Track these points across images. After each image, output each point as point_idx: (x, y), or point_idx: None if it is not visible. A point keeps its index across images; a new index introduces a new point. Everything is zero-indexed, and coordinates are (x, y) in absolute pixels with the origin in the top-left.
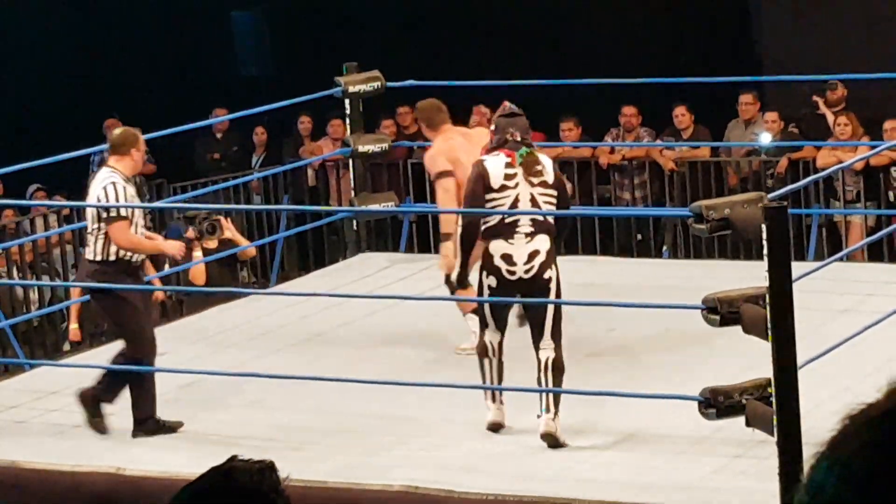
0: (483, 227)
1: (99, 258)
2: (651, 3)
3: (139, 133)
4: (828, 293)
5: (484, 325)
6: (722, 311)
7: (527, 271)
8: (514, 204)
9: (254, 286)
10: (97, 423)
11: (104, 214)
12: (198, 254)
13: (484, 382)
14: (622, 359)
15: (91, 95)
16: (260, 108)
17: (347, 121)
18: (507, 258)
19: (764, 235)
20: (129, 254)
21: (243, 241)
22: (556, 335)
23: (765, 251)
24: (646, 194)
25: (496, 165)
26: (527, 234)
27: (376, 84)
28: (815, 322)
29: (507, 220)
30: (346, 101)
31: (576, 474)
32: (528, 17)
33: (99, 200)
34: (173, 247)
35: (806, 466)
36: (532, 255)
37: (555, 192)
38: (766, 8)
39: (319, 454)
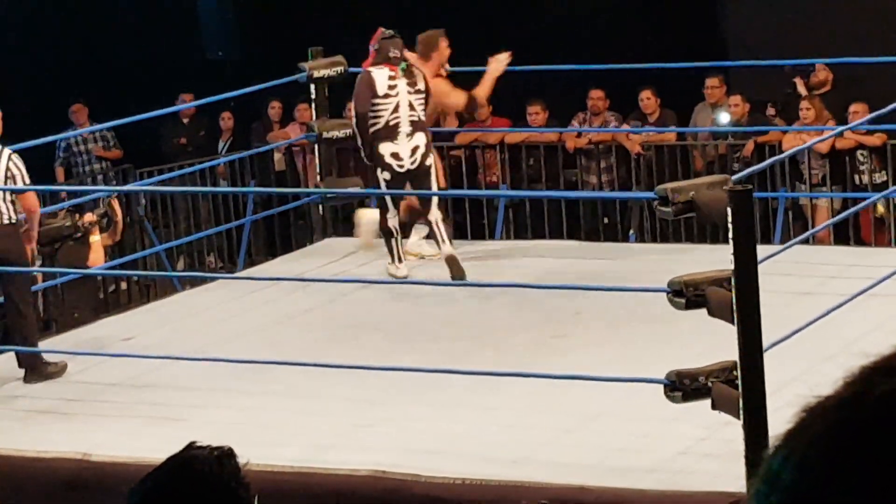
0: (371, 131)
1: (7, 221)
2: None
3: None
4: (793, 276)
5: (385, 211)
6: (687, 294)
7: (412, 163)
8: (396, 108)
9: (221, 271)
10: (54, 366)
11: (20, 184)
12: (95, 238)
13: (393, 258)
14: (588, 342)
15: (57, 80)
16: (226, 94)
17: (313, 105)
18: (396, 155)
19: (729, 218)
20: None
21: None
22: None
23: (730, 234)
24: (612, 178)
25: (381, 76)
26: (407, 134)
27: (340, 69)
28: (781, 304)
29: (390, 124)
30: (311, 87)
31: (542, 457)
32: (496, 1)
33: (13, 174)
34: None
35: (765, 455)
36: (414, 150)
37: (425, 96)
38: None
39: (284, 438)
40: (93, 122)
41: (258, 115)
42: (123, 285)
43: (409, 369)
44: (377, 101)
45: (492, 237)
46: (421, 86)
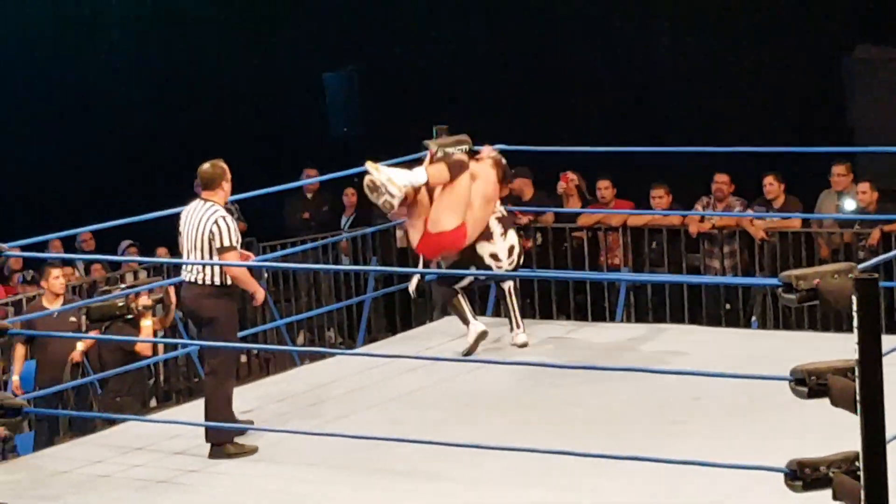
0: None
1: (218, 282)
2: (745, 72)
3: (226, 166)
4: None
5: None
6: (810, 383)
7: (510, 263)
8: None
9: (341, 346)
10: (237, 447)
11: (218, 244)
12: (146, 323)
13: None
14: (707, 428)
15: (184, 154)
16: (350, 170)
17: None
18: (494, 256)
19: (854, 307)
20: (227, 280)
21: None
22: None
23: (855, 323)
24: (735, 263)
25: None
26: (501, 234)
27: (464, 147)
28: None
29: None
30: None
31: None
32: (621, 84)
33: (212, 233)
34: (262, 294)
35: None
36: (511, 250)
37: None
38: (858, 78)
39: None
40: None
41: None
42: (243, 358)
43: (526, 450)
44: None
45: (612, 320)
46: (491, 178)
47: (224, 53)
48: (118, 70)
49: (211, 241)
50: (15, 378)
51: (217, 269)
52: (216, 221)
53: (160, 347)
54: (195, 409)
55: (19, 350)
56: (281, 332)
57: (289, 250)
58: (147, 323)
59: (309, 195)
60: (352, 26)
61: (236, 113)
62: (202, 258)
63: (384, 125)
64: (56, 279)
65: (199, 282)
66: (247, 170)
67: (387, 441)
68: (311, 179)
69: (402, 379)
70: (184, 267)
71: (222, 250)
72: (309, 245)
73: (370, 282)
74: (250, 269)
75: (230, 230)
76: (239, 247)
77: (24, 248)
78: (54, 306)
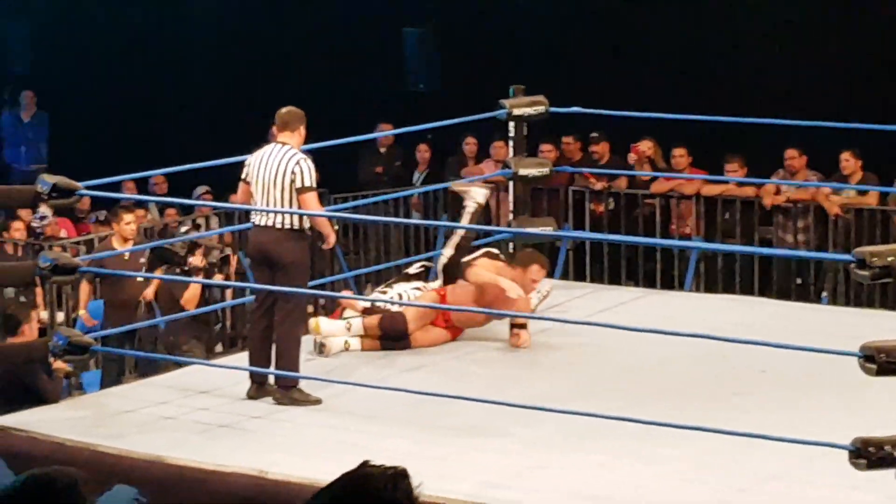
0: None
1: (296, 226)
2: (826, 46)
3: (304, 114)
4: None
5: None
6: (879, 361)
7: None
8: None
9: None
10: (302, 395)
11: (298, 185)
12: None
13: None
14: (771, 401)
15: (260, 101)
16: (424, 125)
17: (510, 143)
18: None
19: None
20: (303, 224)
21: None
22: None
23: None
24: (808, 238)
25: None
26: None
27: (541, 108)
28: None
29: None
30: (510, 124)
31: None
32: (700, 51)
33: (294, 173)
34: (332, 236)
35: None
36: None
37: None
38: None
39: (457, 473)
40: None
41: (454, 150)
42: (310, 308)
43: (585, 414)
44: None
45: (681, 288)
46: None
47: (305, 5)
48: (199, 18)
49: (292, 181)
50: (83, 312)
51: (294, 212)
52: (297, 162)
53: (228, 293)
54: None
55: (84, 288)
56: (349, 283)
57: (360, 202)
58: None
59: (382, 149)
60: None
61: (314, 65)
62: (280, 199)
63: (461, 82)
64: (127, 224)
65: (276, 225)
66: (322, 122)
67: (448, 398)
68: (384, 132)
69: (465, 336)
70: (255, 210)
71: (302, 190)
72: (381, 197)
73: (440, 238)
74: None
75: (311, 171)
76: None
77: (97, 188)
78: (123, 248)
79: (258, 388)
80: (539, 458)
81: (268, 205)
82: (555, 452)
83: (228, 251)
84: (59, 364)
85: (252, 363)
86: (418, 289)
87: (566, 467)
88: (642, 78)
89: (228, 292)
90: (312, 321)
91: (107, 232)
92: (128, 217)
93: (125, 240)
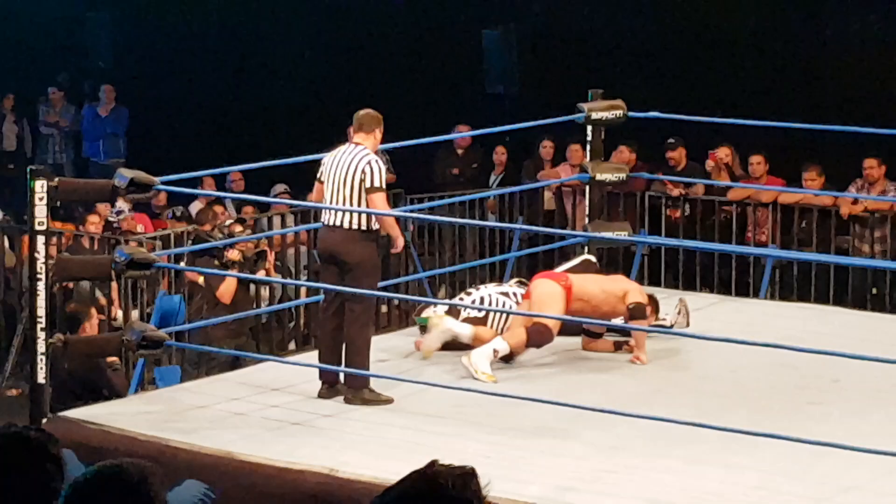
0: None
1: (364, 226)
2: None
3: (381, 117)
4: None
5: None
6: None
7: None
8: None
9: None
10: (374, 394)
11: (368, 185)
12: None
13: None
14: (845, 411)
15: (341, 100)
16: (502, 127)
17: (588, 147)
18: None
19: None
20: (372, 225)
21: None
22: None
23: None
24: (885, 248)
25: None
26: None
27: (618, 112)
28: None
29: None
30: (588, 128)
31: None
32: (779, 58)
33: (364, 173)
34: (401, 239)
35: None
36: None
37: None
38: None
39: (529, 476)
40: None
41: (531, 152)
42: (384, 308)
43: (660, 419)
44: None
45: (756, 296)
46: None
47: (386, 6)
48: (281, 16)
49: (362, 181)
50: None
51: (363, 213)
52: (368, 162)
53: (302, 291)
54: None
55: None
56: (422, 284)
57: (436, 202)
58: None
59: (459, 151)
60: None
61: (395, 66)
62: (349, 199)
63: (540, 85)
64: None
65: (345, 225)
66: (400, 122)
67: (521, 399)
68: (462, 134)
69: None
70: (325, 210)
71: (371, 190)
72: (457, 199)
73: (515, 241)
74: (395, 217)
75: (381, 172)
76: (385, 190)
77: (174, 183)
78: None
79: (329, 388)
80: (612, 463)
81: (337, 204)
82: (628, 457)
83: (265, 247)
84: (111, 358)
85: (322, 363)
86: (505, 293)
87: (639, 473)
88: (721, 84)
89: (302, 290)
90: (465, 358)
91: (182, 228)
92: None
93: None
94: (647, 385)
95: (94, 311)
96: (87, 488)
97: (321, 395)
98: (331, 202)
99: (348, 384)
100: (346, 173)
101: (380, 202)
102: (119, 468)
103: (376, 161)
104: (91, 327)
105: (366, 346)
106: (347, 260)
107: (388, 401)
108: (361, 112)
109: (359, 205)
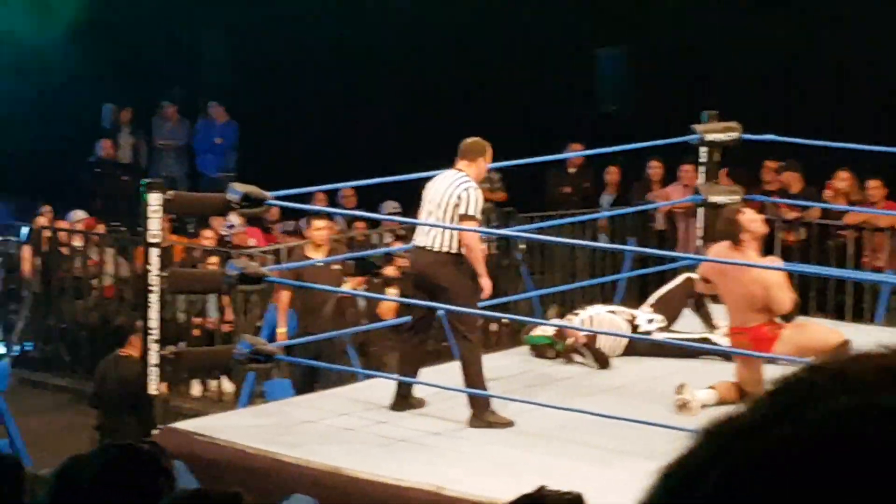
0: None
1: (454, 250)
2: None
3: (489, 146)
4: None
5: None
6: None
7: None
8: None
9: None
10: (496, 417)
11: (462, 211)
12: (393, 291)
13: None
14: None
15: (454, 119)
16: (613, 147)
17: (702, 169)
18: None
19: None
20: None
21: None
22: None
23: None
24: None
25: None
26: None
27: (734, 135)
28: None
29: None
30: (702, 150)
31: None
32: None
33: (459, 199)
34: (488, 284)
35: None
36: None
37: None
38: None
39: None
40: None
41: (640, 174)
42: (494, 327)
43: None
44: None
45: (872, 322)
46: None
47: (501, 24)
48: (394, 33)
49: (455, 206)
50: (281, 330)
51: (454, 237)
52: (465, 189)
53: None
54: (438, 373)
55: (284, 298)
56: (532, 303)
57: (547, 223)
58: (394, 291)
59: (572, 170)
60: (628, 3)
61: (507, 84)
62: (442, 223)
63: (653, 105)
64: (318, 231)
65: (434, 248)
66: (513, 140)
67: (633, 423)
68: (574, 153)
69: (643, 363)
70: (419, 232)
71: (464, 218)
72: (567, 220)
73: (626, 262)
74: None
75: (476, 201)
76: (479, 220)
77: (286, 198)
78: (316, 256)
79: (401, 399)
80: None
81: (429, 228)
82: None
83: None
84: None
85: (401, 375)
86: (612, 312)
87: None
88: (838, 104)
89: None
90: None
91: (295, 242)
92: (318, 223)
93: (317, 246)
94: None
95: (139, 324)
96: None
97: (394, 408)
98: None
99: (471, 406)
100: (442, 198)
101: (469, 232)
102: (206, 495)
103: (474, 189)
104: (137, 340)
105: (478, 368)
106: (436, 283)
107: (509, 423)
108: (468, 140)
109: (450, 230)
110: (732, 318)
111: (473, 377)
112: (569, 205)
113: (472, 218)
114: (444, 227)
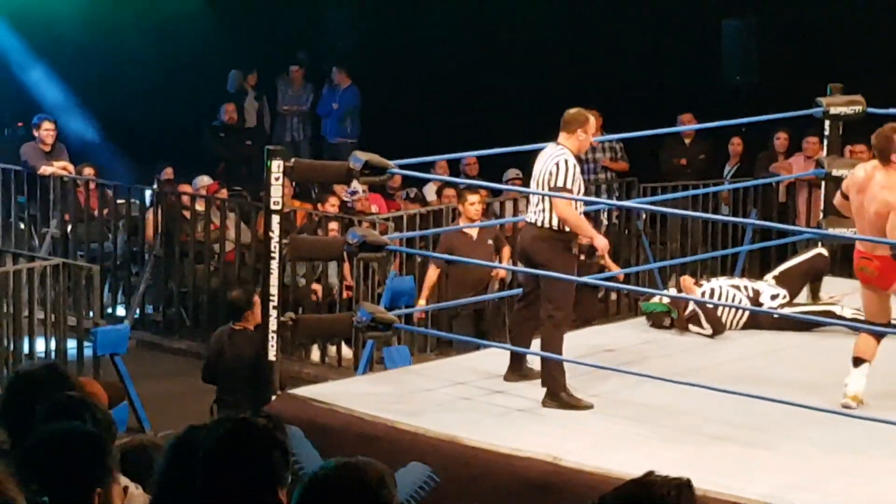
0: None
1: (556, 226)
2: None
3: (591, 116)
4: None
5: None
6: None
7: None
8: None
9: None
10: (573, 399)
11: (553, 183)
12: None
13: None
14: None
15: (577, 88)
16: (738, 119)
17: (825, 142)
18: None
19: None
20: (564, 226)
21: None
22: None
23: None
24: None
25: None
26: None
27: (857, 108)
28: None
29: None
30: (826, 123)
31: None
32: None
33: (551, 172)
34: (602, 241)
35: None
36: None
37: None
38: None
39: (754, 474)
40: (604, 132)
41: (765, 145)
42: (613, 296)
43: (886, 422)
44: None
45: None
46: None
47: None
48: (523, 2)
49: (549, 178)
50: (421, 301)
51: (553, 212)
52: (557, 162)
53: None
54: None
55: (432, 275)
56: (653, 274)
57: (668, 196)
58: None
59: (686, 141)
60: None
61: (633, 54)
62: (540, 197)
63: (778, 76)
64: (472, 205)
65: (538, 223)
66: (636, 110)
67: (745, 396)
68: (694, 126)
69: (763, 336)
70: (529, 208)
71: (557, 189)
72: (690, 192)
73: (747, 234)
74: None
75: (568, 172)
76: (575, 192)
77: (408, 167)
78: (471, 230)
79: (513, 372)
80: (839, 464)
81: (531, 202)
82: (856, 458)
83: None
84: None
85: (514, 347)
86: (736, 287)
87: (867, 474)
88: None
89: None
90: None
91: (415, 209)
92: (472, 198)
93: (470, 220)
94: (875, 386)
95: (257, 298)
96: (326, 484)
97: (507, 378)
98: (528, 199)
99: (545, 387)
100: (540, 173)
101: (561, 202)
102: (359, 467)
103: (567, 160)
104: (254, 316)
105: (558, 349)
106: (535, 259)
107: (588, 406)
108: (569, 111)
109: (549, 204)
110: (862, 243)
111: (550, 360)
112: (685, 175)
113: (564, 189)
114: (539, 197)
